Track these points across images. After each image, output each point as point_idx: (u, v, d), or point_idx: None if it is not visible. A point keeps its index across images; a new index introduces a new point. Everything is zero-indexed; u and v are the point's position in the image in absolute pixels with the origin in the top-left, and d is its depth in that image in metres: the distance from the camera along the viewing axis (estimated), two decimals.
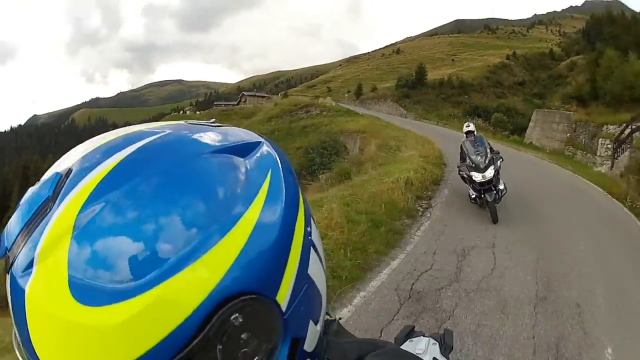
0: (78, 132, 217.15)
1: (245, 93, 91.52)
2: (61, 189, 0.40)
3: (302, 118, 34.47)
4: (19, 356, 0.41)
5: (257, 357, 0.40)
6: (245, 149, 0.45)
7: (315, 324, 0.48)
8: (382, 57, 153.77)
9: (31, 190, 0.42)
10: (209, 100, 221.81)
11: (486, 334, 3.76)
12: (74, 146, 0.46)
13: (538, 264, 5.56)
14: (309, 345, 0.47)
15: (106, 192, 0.39)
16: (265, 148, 0.47)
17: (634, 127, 15.01)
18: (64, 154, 0.45)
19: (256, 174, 0.43)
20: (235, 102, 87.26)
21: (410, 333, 0.59)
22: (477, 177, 7.66)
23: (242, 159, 0.44)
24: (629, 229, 8.01)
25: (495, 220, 7.36)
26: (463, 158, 8.12)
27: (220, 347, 0.38)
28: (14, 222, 0.41)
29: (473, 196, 7.87)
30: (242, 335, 0.39)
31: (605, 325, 4.10)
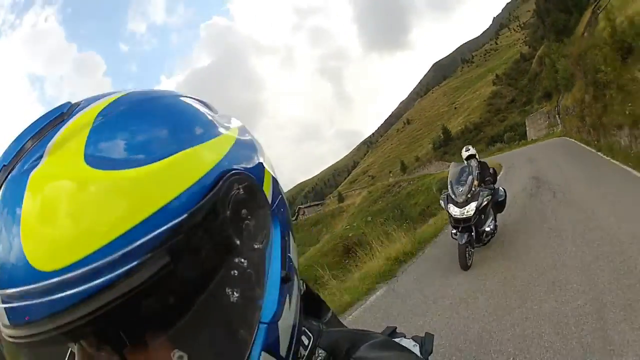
0: None
1: (301, 206, 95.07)
2: (74, 109, 0.44)
3: (400, 191, 46.58)
4: None
5: (259, 237, 0.46)
6: (214, 110, 0.54)
7: (293, 239, 0.53)
8: (398, 132, 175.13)
9: (37, 118, 0.44)
10: None
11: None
12: None
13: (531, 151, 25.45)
14: (292, 255, 0.52)
15: (121, 105, 0.44)
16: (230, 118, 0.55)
17: (559, 103, 33.57)
18: None
19: (226, 120, 0.52)
20: (293, 218, 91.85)
21: (392, 334, 0.62)
22: (454, 211, 6.55)
23: (214, 112, 0.53)
24: (564, 142, 24.09)
25: (463, 267, 6.25)
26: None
27: (229, 212, 0.42)
28: (17, 137, 0.43)
29: (453, 231, 6.68)
30: (243, 210, 0.44)
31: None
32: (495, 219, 7.20)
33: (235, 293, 0.42)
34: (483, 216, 6.78)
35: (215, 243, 0.41)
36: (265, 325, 0.44)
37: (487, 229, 6.85)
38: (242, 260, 0.43)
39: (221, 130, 0.48)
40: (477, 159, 7.68)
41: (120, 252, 0.36)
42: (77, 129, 0.41)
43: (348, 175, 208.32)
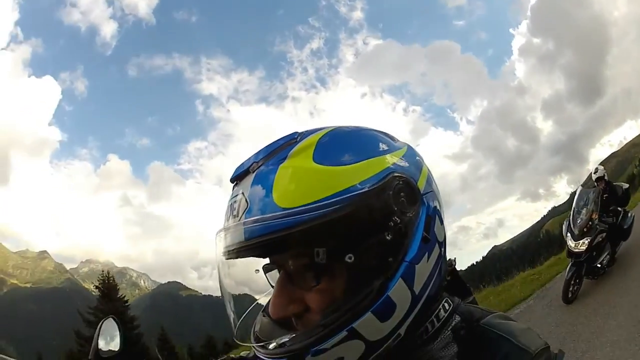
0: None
1: None
2: (302, 136, 0.72)
3: None
4: (236, 212, 0.68)
5: (410, 209, 0.69)
6: (392, 137, 0.79)
7: (441, 223, 0.74)
8: None
9: (274, 141, 0.73)
10: None
11: None
12: None
13: None
14: (438, 231, 0.73)
15: (336, 132, 0.73)
16: (403, 142, 0.80)
17: None
18: None
19: (399, 143, 0.78)
20: None
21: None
22: (569, 242, 6.88)
23: (392, 138, 0.78)
24: None
25: (565, 300, 6.71)
26: None
27: (391, 192, 0.67)
28: (264, 148, 0.72)
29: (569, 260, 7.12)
30: (402, 193, 0.68)
31: None
32: (614, 251, 7.19)
33: (389, 236, 0.65)
34: (595, 252, 6.77)
35: (381, 206, 0.65)
36: (406, 263, 0.66)
37: (599, 265, 6.83)
38: (397, 218, 0.66)
39: (396, 147, 0.75)
40: (605, 180, 7.72)
41: (329, 201, 0.62)
42: (307, 146, 0.69)
43: None
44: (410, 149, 0.78)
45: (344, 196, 0.63)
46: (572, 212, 7.19)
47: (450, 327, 0.73)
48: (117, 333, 1.35)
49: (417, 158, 0.78)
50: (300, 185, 0.65)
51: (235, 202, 0.69)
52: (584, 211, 7.05)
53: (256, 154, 0.72)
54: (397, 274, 0.65)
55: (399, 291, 0.65)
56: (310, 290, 0.67)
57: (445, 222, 0.76)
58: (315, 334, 0.64)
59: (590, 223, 6.82)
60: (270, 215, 0.63)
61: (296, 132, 0.73)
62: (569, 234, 7.01)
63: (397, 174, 0.69)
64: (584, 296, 6.91)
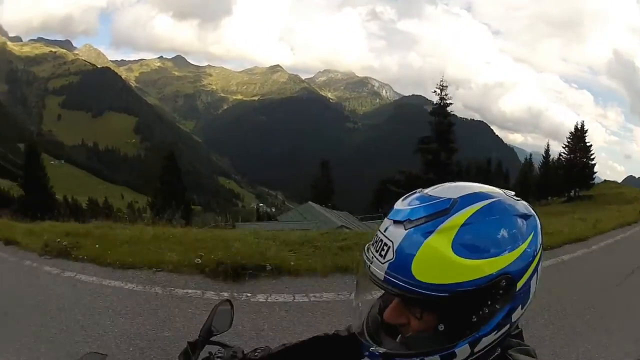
0: None
1: None
2: (454, 206, 0.83)
3: None
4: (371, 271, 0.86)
5: (498, 305, 0.84)
6: (526, 217, 0.88)
7: (522, 307, 0.88)
8: None
9: (427, 201, 0.86)
10: None
11: None
12: None
13: None
14: (515, 315, 0.87)
15: (480, 216, 0.83)
16: (533, 219, 0.89)
17: None
18: None
19: (527, 230, 0.87)
20: None
21: None
22: None
23: (524, 220, 0.87)
24: None
25: None
26: None
27: (493, 291, 0.82)
28: (417, 208, 0.85)
29: None
30: (501, 291, 0.82)
31: None
32: None
33: (474, 318, 0.83)
34: None
35: (481, 300, 0.82)
36: (477, 335, 0.84)
37: None
38: (486, 309, 0.83)
39: (520, 241, 0.85)
40: None
41: (447, 287, 0.79)
42: (452, 227, 0.81)
43: None
44: (534, 238, 0.88)
45: (459, 289, 0.80)
46: None
47: (492, 357, 0.90)
48: (230, 315, 1.40)
49: (534, 251, 0.88)
50: (432, 268, 0.80)
51: (385, 243, 0.85)
52: None
53: (414, 210, 0.85)
54: (467, 340, 0.84)
55: (462, 350, 0.85)
56: (414, 316, 0.88)
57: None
58: (403, 352, 0.89)
59: None
60: (404, 279, 0.81)
61: (450, 199, 0.85)
62: None
63: (506, 277, 0.83)
64: None
